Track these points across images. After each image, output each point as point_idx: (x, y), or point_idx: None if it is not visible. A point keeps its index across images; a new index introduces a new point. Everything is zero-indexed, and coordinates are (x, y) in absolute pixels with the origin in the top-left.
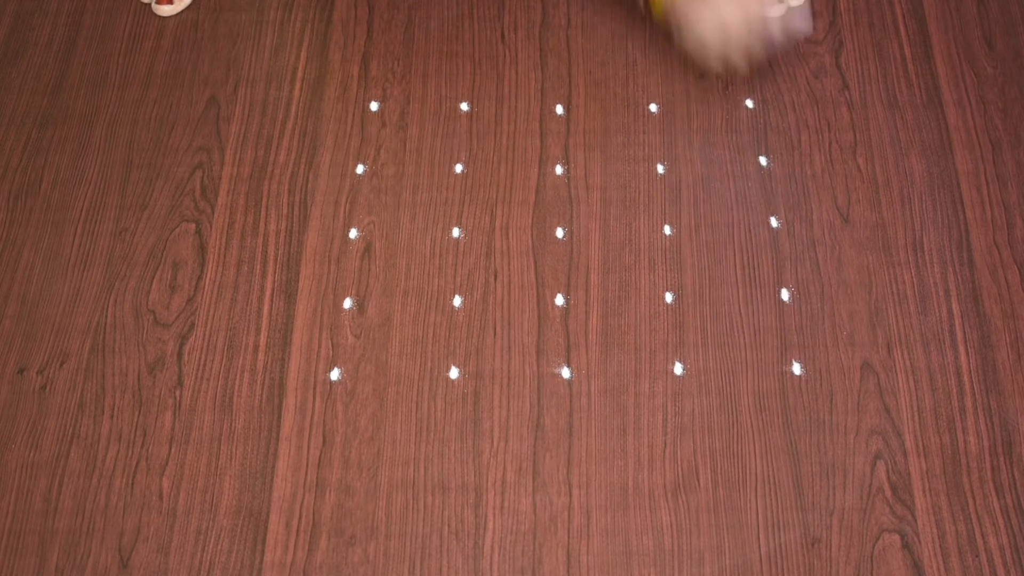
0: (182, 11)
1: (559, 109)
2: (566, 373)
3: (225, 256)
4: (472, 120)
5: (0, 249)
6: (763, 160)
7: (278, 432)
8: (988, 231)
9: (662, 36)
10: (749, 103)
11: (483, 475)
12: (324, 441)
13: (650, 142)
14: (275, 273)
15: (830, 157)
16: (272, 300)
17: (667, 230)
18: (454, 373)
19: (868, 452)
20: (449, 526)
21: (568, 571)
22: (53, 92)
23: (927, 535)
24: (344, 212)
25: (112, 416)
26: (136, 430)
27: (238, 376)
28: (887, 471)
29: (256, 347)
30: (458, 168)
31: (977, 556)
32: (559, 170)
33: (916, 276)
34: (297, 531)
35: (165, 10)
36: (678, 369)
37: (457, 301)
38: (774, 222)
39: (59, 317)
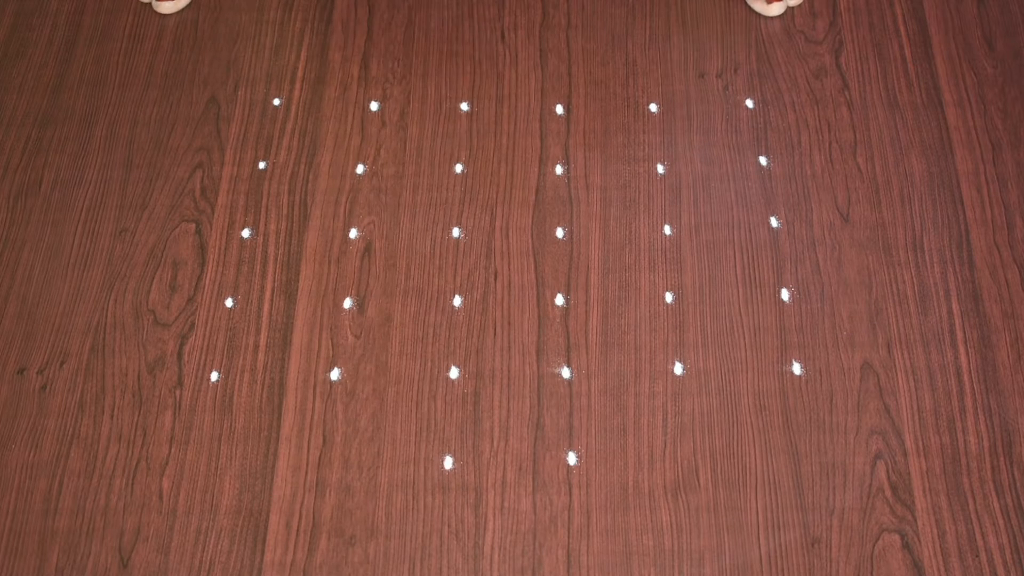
0: (182, 9)
1: (559, 109)
2: (566, 373)
3: (225, 256)
4: (472, 120)
5: (0, 249)
6: (763, 160)
7: (278, 432)
8: (988, 231)
9: (661, 36)
10: (749, 103)
11: (483, 475)
12: (324, 441)
13: (650, 142)
14: (275, 273)
15: (830, 157)
16: (272, 300)
17: (667, 230)
18: (454, 373)
19: (868, 452)
20: (449, 526)
21: (568, 571)
22: (53, 92)
23: (927, 535)
24: (344, 212)
25: (112, 416)
26: (136, 430)
27: (238, 376)
28: (887, 471)
29: (256, 347)
30: (458, 168)
31: (977, 556)
32: (559, 170)
33: (916, 276)
34: (297, 531)
35: (166, 7)
36: (678, 369)
37: (457, 301)
38: (774, 222)
39: (59, 317)
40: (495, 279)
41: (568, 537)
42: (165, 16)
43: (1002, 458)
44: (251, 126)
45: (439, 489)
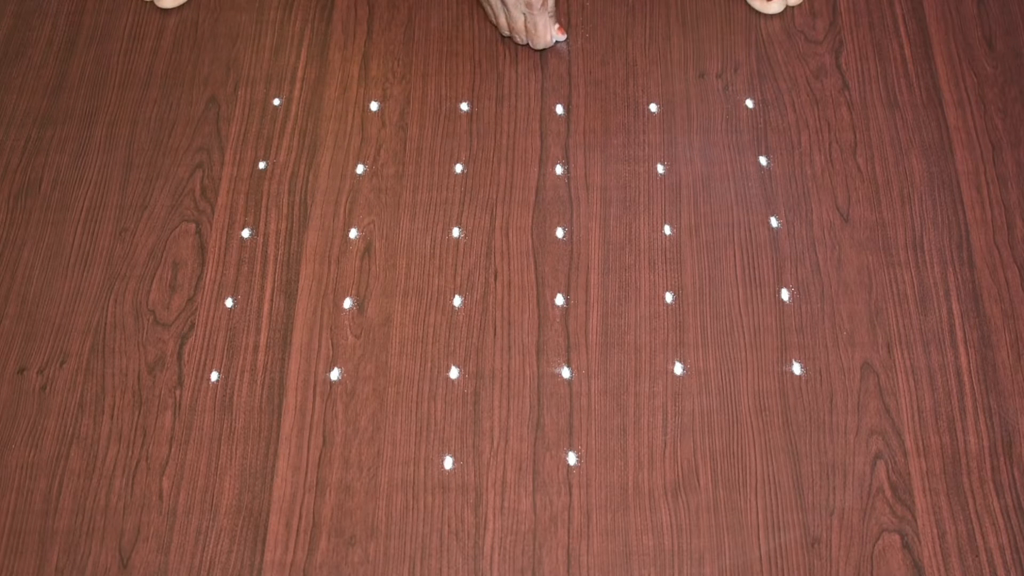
0: (182, 6)
1: (559, 109)
2: (566, 373)
3: (225, 256)
4: (472, 120)
5: (0, 249)
6: (763, 160)
7: (278, 432)
8: (988, 231)
9: (661, 36)
10: (749, 103)
11: (483, 475)
12: (324, 441)
13: (650, 142)
14: (275, 273)
15: (830, 157)
16: (272, 300)
17: (667, 230)
18: (454, 373)
19: (868, 452)
20: (449, 526)
21: (568, 571)
22: (53, 92)
23: (927, 535)
24: (344, 212)
25: (112, 416)
26: (136, 430)
27: (238, 376)
28: (887, 471)
29: (256, 347)
30: (458, 168)
31: (977, 556)
32: (559, 170)
33: (916, 276)
34: (297, 531)
35: (167, 1)
36: (678, 369)
37: (457, 301)
38: (774, 222)
39: (59, 317)
40: (495, 279)
41: (568, 537)
42: (165, 16)
43: (1002, 458)
44: (251, 126)
45: (439, 489)
